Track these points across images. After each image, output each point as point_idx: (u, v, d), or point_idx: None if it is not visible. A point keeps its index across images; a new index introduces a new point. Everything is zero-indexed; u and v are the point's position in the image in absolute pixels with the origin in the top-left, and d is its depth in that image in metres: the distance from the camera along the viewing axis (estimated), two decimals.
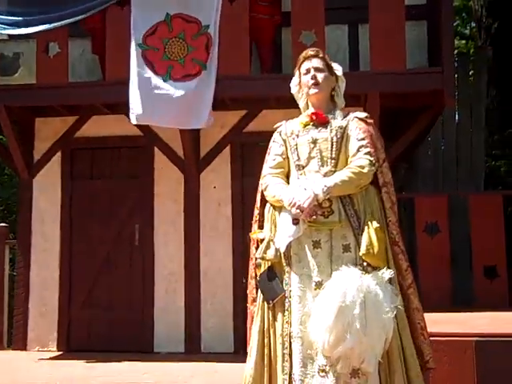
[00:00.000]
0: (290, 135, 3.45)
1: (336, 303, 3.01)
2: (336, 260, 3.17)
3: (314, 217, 3.18)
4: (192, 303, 7.10)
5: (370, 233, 3.15)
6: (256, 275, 3.36)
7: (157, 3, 6.47)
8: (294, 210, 3.18)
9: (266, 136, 7.02)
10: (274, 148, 3.52)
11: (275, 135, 3.56)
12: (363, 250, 3.13)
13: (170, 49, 6.46)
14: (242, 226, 7.01)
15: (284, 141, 3.47)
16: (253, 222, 3.51)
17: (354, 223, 3.22)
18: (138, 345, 7.06)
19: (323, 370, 3.07)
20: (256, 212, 3.50)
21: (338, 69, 3.54)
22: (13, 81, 7.53)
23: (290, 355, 3.15)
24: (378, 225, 3.18)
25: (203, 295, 7.11)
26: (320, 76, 3.44)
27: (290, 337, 3.16)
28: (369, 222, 3.18)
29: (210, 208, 7.23)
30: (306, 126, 3.43)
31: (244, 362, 3.29)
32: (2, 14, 6.79)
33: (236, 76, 6.48)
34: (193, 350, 6.97)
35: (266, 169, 3.49)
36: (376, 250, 3.12)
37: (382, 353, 3.05)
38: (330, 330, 3.00)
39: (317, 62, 3.47)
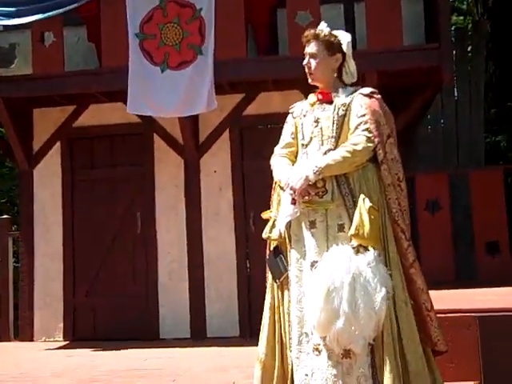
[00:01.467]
0: (299, 115, 3.44)
1: (324, 285, 3.01)
2: (332, 240, 3.16)
3: (307, 197, 3.18)
4: (196, 289, 7.12)
5: (362, 212, 3.11)
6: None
7: None
8: (287, 191, 3.20)
9: (265, 119, 7.13)
10: (286, 129, 3.52)
11: (288, 116, 3.54)
12: (352, 230, 3.10)
13: (165, 34, 6.46)
14: (243, 209, 7.03)
15: (295, 121, 3.47)
16: (270, 201, 3.50)
17: (348, 202, 3.19)
18: (143, 332, 7.09)
19: (317, 349, 3.08)
20: (272, 192, 3.49)
21: (344, 42, 3.43)
22: (10, 72, 7.53)
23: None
24: (370, 204, 3.13)
25: (207, 281, 7.12)
26: (313, 63, 3.39)
27: (290, 315, 3.19)
28: (361, 201, 3.14)
29: (211, 193, 7.23)
30: (313, 105, 3.42)
31: (250, 345, 3.31)
32: None
33: (232, 59, 6.46)
34: (199, 335, 7.00)
35: (277, 149, 3.50)
36: (366, 230, 3.07)
37: (375, 335, 3.03)
38: (320, 311, 3.01)
39: (311, 47, 3.40)
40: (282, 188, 3.34)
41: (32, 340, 7.36)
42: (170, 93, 6.34)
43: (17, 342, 7.42)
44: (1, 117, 7.12)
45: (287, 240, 3.27)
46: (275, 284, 3.29)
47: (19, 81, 7.02)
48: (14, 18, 6.77)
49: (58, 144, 7.55)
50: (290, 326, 3.19)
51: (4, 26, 7.25)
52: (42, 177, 7.57)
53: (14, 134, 7.30)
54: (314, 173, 3.16)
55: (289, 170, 3.29)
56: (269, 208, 3.43)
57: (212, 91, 6.32)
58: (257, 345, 3.30)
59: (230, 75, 6.62)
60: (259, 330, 3.31)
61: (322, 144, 3.29)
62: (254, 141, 7.10)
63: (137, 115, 6.96)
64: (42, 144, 7.58)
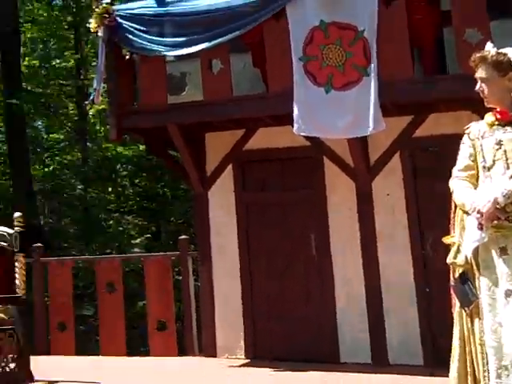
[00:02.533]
0: (478, 136, 3.34)
1: None
2: None
3: (496, 221, 3.07)
4: (375, 314, 6.97)
5: None
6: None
7: (311, 11, 6.45)
8: (474, 215, 3.10)
9: (436, 140, 6.86)
10: (463, 150, 3.42)
11: (464, 137, 3.45)
12: None
13: (327, 55, 6.42)
14: (419, 233, 6.84)
15: (472, 143, 3.36)
16: (450, 225, 3.41)
17: None
18: (322, 354, 7.05)
19: None
20: (452, 215, 3.40)
21: None
22: (180, 99, 7.80)
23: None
24: None
25: (385, 305, 6.95)
26: (485, 88, 3.32)
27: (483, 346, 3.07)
28: None
29: (385, 215, 7.06)
30: (491, 126, 3.31)
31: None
32: (167, 37, 7.09)
33: (399, 80, 6.29)
34: (380, 361, 6.83)
35: (455, 171, 3.41)
36: None
37: None
38: None
39: (480, 72, 3.35)
40: (465, 212, 3.23)
41: (215, 356, 7.57)
42: (335, 114, 6.29)
43: (201, 357, 7.67)
44: (176, 142, 7.40)
45: (474, 266, 3.18)
46: (464, 312, 3.18)
47: (191, 107, 7.25)
48: (184, 47, 7.05)
49: (230, 167, 7.72)
50: (484, 358, 3.07)
51: (176, 56, 7.55)
52: (216, 198, 7.77)
53: (188, 158, 7.58)
54: (504, 195, 3.06)
55: (473, 194, 3.19)
56: (446, 230, 3.35)
57: (378, 112, 6.17)
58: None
59: (396, 96, 6.41)
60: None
61: (508, 167, 3.17)
62: (426, 163, 6.87)
63: (305, 138, 6.94)
64: (215, 167, 7.78)
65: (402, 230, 6.98)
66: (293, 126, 6.57)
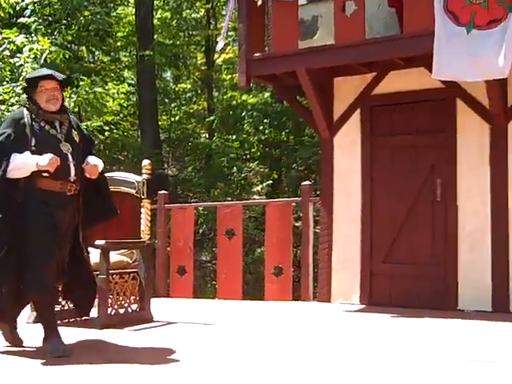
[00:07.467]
0: None
1: None
2: None
3: None
4: (500, 261, 6.78)
5: None
6: None
7: None
8: None
9: None
10: None
11: None
12: None
13: None
14: None
15: None
16: None
17: None
18: (440, 301, 6.96)
19: None
20: None
21: None
22: (312, 43, 7.75)
23: None
24: None
25: None
26: None
27: None
28: None
29: None
30: None
31: None
32: None
33: None
34: (501, 309, 6.67)
35: None
36: None
37: None
38: None
39: None
40: None
41: (329, 301, 7.61)
42: (476, 54, 6.05)
43: (316, 302, 7.74)
44: (304, 87, 7.40)
45: None
46: None
47: (321, 51, 7.22)
48: None
49: (358, 111, 7.64)
50: None
51: None
52: (342, 144, 7.74)
53: (316, 103, 7.56)
54: None
55: None
56: None
57: (511, 55, 5.89)
58: None
59: None
60: None
61: None
62: None
63: (438, 80, 6.77)
64: (342, 112, 7.73)
65: None
66: (426, 68, 6.41)
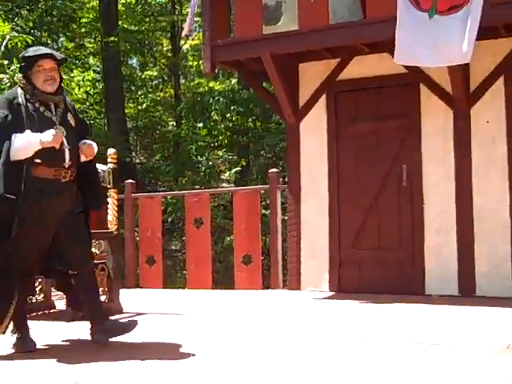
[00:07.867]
0: None
1: None
2: None
3: None
4: (465, 244, 6.83)
5: None
6: None
7: None
8: None
9: None
10: None
11: None
12: None
13: None
14: None
15: None
16: None
17: None
18: (408, 286, 6.98)
19: None
20: None
21: None
22: (276, 29, 7.67)
23: None
24: None
25: (477, 236, 6.79)
26: None
27: None
28: None
29: (482, 144, 6.83)
30: None
31: None
32: None
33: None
34: (466, 293, 6.73)
35: None
36: None
37: None
38: None
39: None
40: None
41: (299, 289, 7.60)
42: (438, 40, 6.03)
43: (285, 291, 7.73)
44: (270, 73, 7.34)
45: None
46: None
47: (286, 37, 7.16)
48: None
49: (324, 97, 7.61)
50: None
51: None
52: (308, 130, 7.70)
53: (281, 89, 7.51)
54: None
55: None
56: None
57: (473, 40, 5.87)
58: None
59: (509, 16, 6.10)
60: None
61: None
62: None
63: (403, 66, 6.75)
64: (308, 98, 7.69)
65: (500, 158, 6.76)
66: (390, 54, 6.39)
